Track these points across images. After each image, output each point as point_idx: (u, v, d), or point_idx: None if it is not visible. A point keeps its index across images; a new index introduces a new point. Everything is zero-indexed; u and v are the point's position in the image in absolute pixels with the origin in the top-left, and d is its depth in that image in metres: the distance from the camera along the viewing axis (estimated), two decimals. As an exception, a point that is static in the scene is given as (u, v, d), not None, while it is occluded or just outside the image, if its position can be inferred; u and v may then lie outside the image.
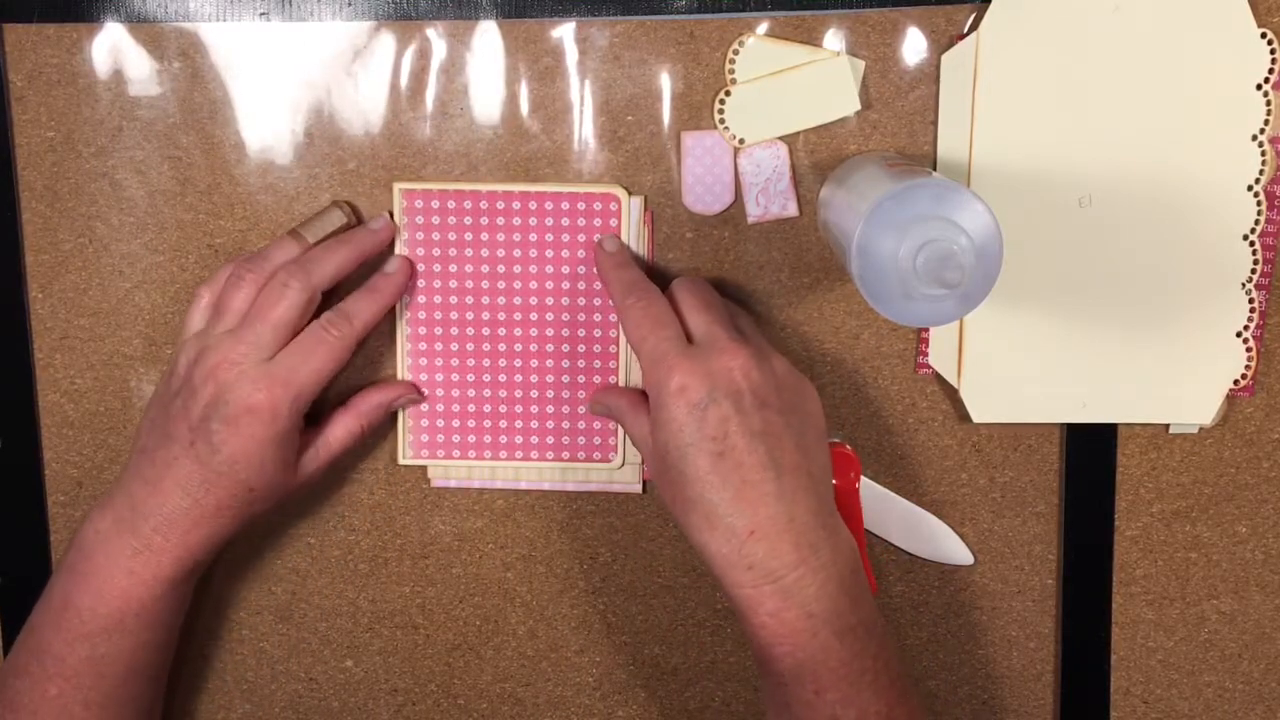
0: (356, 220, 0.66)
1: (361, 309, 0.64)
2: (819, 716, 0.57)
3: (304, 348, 0.62)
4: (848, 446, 0.66)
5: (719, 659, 0.71)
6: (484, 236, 0.66)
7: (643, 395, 0.62)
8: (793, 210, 0.66)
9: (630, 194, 0.66)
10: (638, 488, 0.69)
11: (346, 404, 0.67)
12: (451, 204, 0.66)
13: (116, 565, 0.61)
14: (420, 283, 0.67)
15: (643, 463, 0.68)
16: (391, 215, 0.66)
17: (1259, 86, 0.64)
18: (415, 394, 0.68)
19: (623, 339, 0.67)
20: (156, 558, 0.61)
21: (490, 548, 0.71)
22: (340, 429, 0.66)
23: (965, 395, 0.67)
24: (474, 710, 0.72)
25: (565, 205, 0.66)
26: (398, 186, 0.66)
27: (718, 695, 0.72)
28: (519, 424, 0.68)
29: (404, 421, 0.68)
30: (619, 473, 0.69)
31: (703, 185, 0.66)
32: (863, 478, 0.68)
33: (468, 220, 0.66)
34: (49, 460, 0.70)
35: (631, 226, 0.66)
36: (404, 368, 0.67)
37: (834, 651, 0.56)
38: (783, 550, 0.56)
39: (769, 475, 0.56)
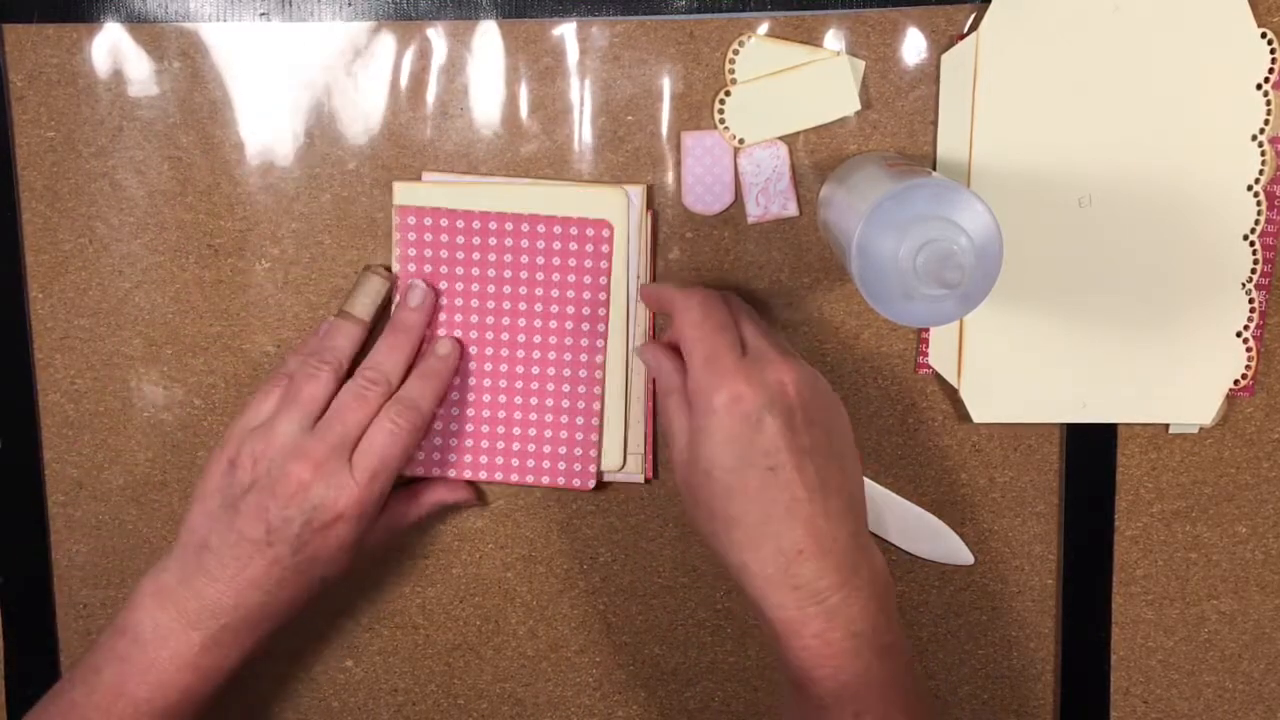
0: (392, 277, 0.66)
1: (426, 395, 0.64)
2: None
3: (380, 447, 0.61)
4: None
5: (719, 659, 0.71)
6: (475, 256, 0.66)
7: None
8: (793, 210, 0.66)
9: (622, 190, 0.66)
10: (639, 477, 0.69)
11: (412, 492, 0.67)
12: (444, 222, 0.65)
13: (181, 660, 0.60)
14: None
15: (644, 456, 0.68)
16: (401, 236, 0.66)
17: (1259, 86, 0.64)
18: (476, 500, 0.69)
19: (611, 361, 0.67)
20: (225, 653, 0.61)
21: (490, 548, 0.71)
22: (399, 518, 0.67)
23: (965, 395, 0.67)
24: (474, 710, 0.72)
25: (558, 230, 0.65)
26: (398, 186, 0.66)
27: (718, 695, 0.72)
28: (500, 444, 0.67)
29: None
30: (617, 468, 0.69)
31: (703, 185, 0.66)
32: (863, 478, 0.68)
33: (460, 240, 0.66)
34: (49, 460, 0.69)
35: (633, 216, 0.66)
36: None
37: (875, 671, 0.55)
38: (828, 570, 0.55)
39: (817, 495, 0.55)
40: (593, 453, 0.68)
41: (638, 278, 0.66)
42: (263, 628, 0.61)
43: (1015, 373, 0.67)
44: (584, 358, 0.67)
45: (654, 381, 0.66)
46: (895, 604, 0.58)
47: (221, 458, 0.62)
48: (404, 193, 0.66)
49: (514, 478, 0.68)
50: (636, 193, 0.66)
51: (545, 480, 0.68)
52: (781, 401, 0.56)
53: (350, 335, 0.64)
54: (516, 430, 0.67)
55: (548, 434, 0.67)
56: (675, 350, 0.61)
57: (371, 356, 0.64)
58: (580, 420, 0.67)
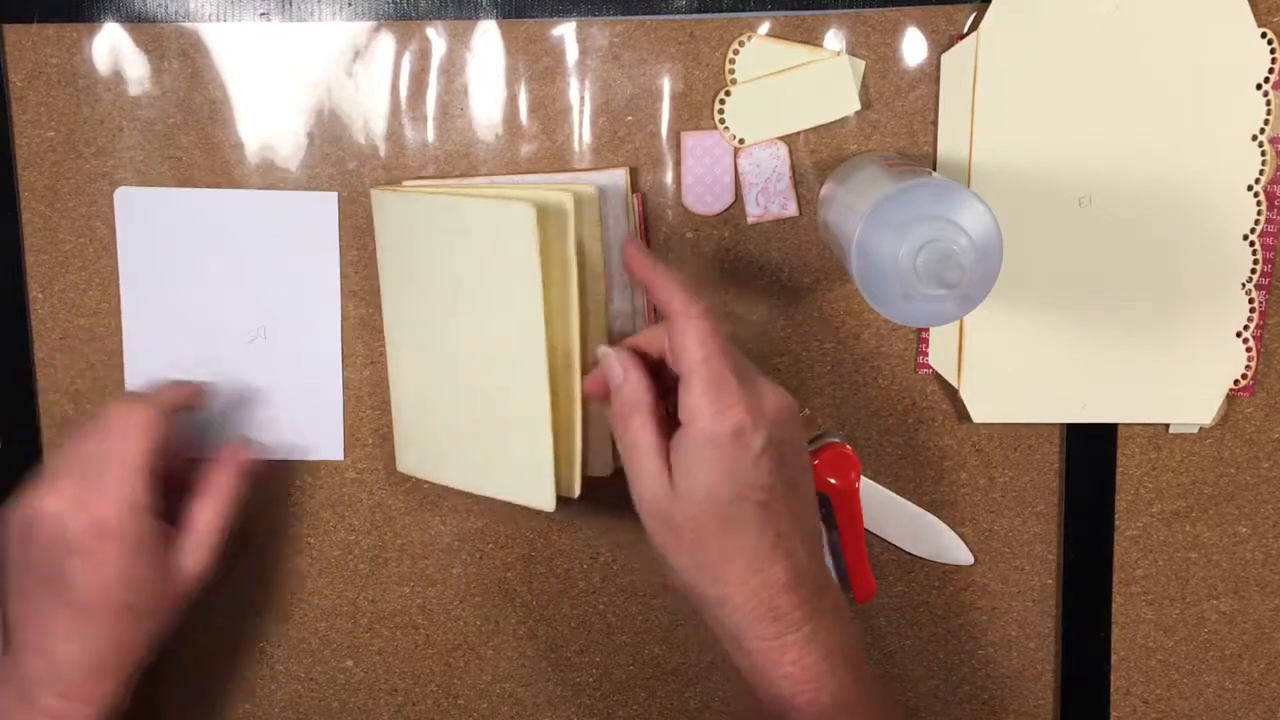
0: None
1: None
2: None
3: (101, 451, 0.59)
4: (848, 446, 0.66)
5: (719, 659, 0.71)
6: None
7: (660, 427, 0.56)
8: (793, 210, 0.66)
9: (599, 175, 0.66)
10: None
11: (196, 488, 0.64)
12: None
13: None
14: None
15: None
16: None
17: (1259, 86, 0.64)
18: (195, 393, 0.66)
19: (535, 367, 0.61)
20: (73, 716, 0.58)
21: (490, 548, 0.71)
22: (207, 513, 0.63)
23: (965, 395, 0.67)
24: (474, 710, 0.72)
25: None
26: (374, 193, 0.65)
27: (718, 695, 0.72)
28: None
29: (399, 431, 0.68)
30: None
31: (703, 185, 0.66)
32: (863, 478, 0.68)
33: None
34: (49, 460, 0.69)
35: (618, 200, 0.65)
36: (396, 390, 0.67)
37: (849, 685, 0.55)
38: (804, 599, 0.54)
39: (798, 528, 0.55)
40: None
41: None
42: (99, 688, 0.59)
43: (1015, 373, 0.67)
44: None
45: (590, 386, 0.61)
46: (854, 619, 0.58)
47: None
48: (381, 200, 0.65)
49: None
50: (620, 175, 0.65)
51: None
52: (776, 434, 0.54)
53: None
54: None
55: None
56: (641, 357, 0.58)
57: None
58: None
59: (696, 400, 0.54)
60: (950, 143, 0.65)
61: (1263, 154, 0.64)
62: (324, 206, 0.66)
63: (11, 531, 0.60)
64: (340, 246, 0.67)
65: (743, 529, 0.54)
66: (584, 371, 0.62)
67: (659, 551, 0.56)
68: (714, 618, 0.56)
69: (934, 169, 0.65)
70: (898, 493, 0.69)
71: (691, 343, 0.54)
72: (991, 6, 0.63)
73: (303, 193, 0.66)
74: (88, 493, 0.59)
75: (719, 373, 0.54)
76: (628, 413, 0.56)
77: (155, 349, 0.67)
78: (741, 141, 0.65)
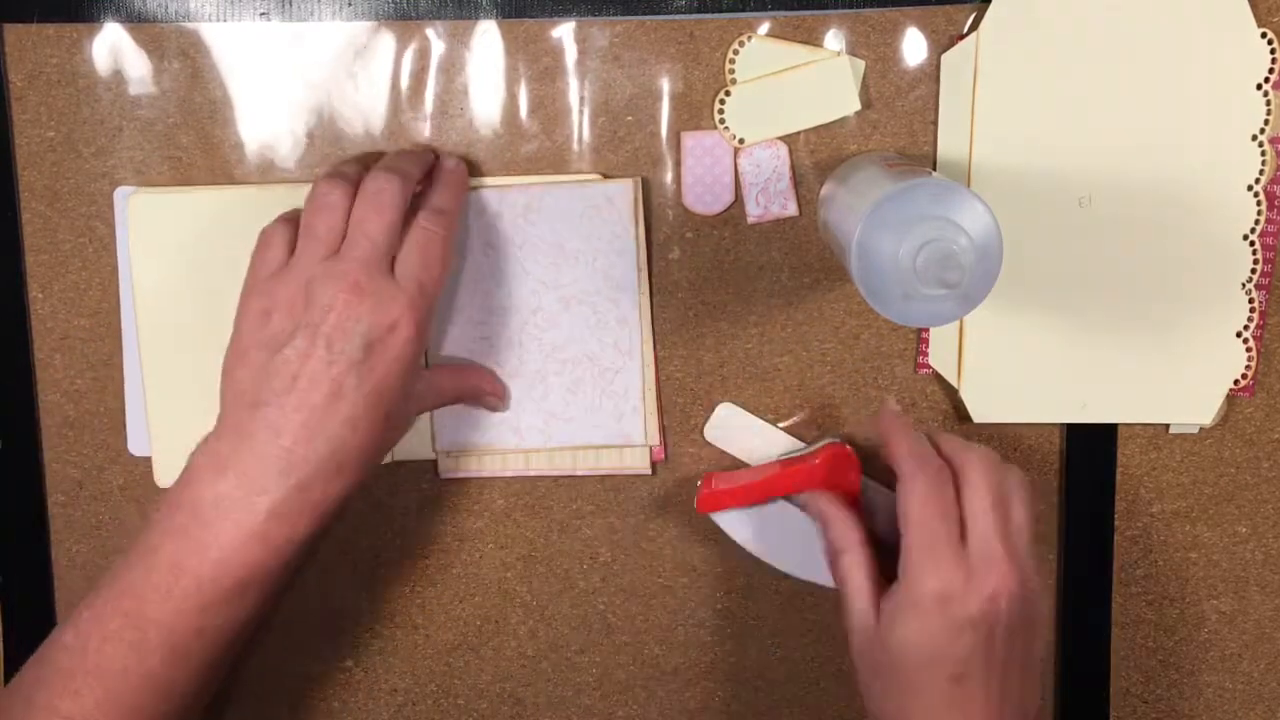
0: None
1: (449, 202, 0.60)
2: None
3: (420, 251, 0.58)
4: (848, 446, 0.66)
5: (719, 659, 0.71)
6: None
7: (871, 568, 0.59)
8: (793, 210, 0.66)
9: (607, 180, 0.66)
10: (647, 470, 0.69)
11: (454, 369, 0.66)
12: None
13: (247, 532, 0.55)
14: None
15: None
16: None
17: (1259, 86, 0.64)
18: (501, 401, 0.67)
19: (643, 332, 0.67)
20: (294, 519, 0.55)
21: (490, 548, 0.71)
22: (441, 386, 0.64)
23: (965, 395, 0.67)
24: (474, 710, 0.72)
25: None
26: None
27: (718, 695, 0.72)
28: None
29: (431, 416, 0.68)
30: (630, 454, 0.68)
31: (703, 185, 0.66)
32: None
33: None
34: (49, 460, 0.69)
35: (629, 209, 0.65)
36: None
37: None
38: None
39: (993, 707, 0.55)
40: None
41: (639, 269, 0.66)
42: (334, 485, 0.56)
43: (1015, 373, 0.67)
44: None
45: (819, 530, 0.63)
46: None
47: (250, 311, 0.58)
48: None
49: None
50: (629, 186, 0.65)
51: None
52: (990, 614, 0.54)
53: (363, 158, 0.61)
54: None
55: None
56: (842, 501, 0.62)
57: (377, 163, 0.60)
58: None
59: (908, 557, 0.56)
60: (950, 143, 0.65)
61: (1263, 154, 0.64)
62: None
63: (259, 305, 0.58)
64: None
65: (928, 697, 0.55)
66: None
67: (860, 684, 0.58)
68: None
69: (934, 169, 0.65)
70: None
71: (910, 506, 0.56)
72: (991, 6, 0.63)
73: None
74: (402, 282, 0.57)
75: (932, 538, 0.55)
76: (837, 552, 0.60)
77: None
78: (741, 141, 0.65)
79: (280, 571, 0.57)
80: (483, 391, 0.66)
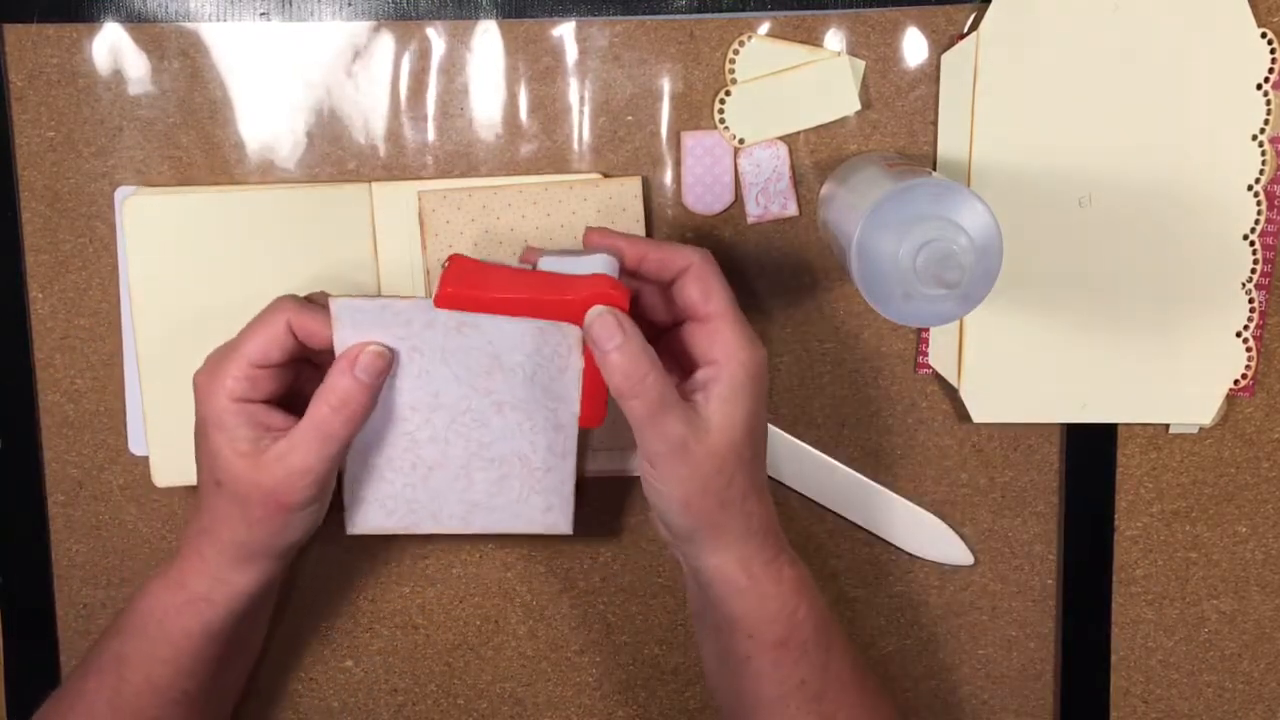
0: None
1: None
2: (838, 677, 0.59)
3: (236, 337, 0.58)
4: (621, 282, 0.57)
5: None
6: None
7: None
8: (793, 210, 0.66)
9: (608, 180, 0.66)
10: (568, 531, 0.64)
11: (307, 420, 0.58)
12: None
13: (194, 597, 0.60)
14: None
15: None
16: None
17: (1259, 86, 0.64)
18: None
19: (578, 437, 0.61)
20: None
21: (490, 547, 0.71)
22: (306, 433, 0.57)
23: (965, 395, 0.67)
24: (474, 710, 0.72)
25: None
26: (419, 190, 0.65)
27: (718, 695, 0.72)
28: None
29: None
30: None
31: (703, 185, 0.66)
32: (862, 476, 0.68)
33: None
34: (49, 460, 0.69)
35: (636, 208, 0.65)
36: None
37: (821, 605, 0.59)
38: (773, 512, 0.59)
39: (762, 469, 0.59)
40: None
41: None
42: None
43: (1015, 373, 0.67)
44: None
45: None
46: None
47: None
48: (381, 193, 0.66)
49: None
50: (635, 184, 0.65)
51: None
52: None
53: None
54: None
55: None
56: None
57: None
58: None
59: (730, 338, 0.56)
60: (950, 143, 0.65)
61: (1263, 154, 0.64)
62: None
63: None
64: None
65: (761, 456, 0.58)
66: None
67: (667, 506, 0.56)
68: (736, 548, 0.57)
69: (934, 169, 0.65)
70: (898, 493, 0.69)
71: (717, 285, 0.57)
72: (991, 6, 0.63)
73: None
74: (208, 361, 0.58)
75: (740, 312, 0.57)
76: (660, 410, 0.54)
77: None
78: (741, 141, 0.65)
79: (240, 616, 0.60)
80: (336, 388, 0.57)
